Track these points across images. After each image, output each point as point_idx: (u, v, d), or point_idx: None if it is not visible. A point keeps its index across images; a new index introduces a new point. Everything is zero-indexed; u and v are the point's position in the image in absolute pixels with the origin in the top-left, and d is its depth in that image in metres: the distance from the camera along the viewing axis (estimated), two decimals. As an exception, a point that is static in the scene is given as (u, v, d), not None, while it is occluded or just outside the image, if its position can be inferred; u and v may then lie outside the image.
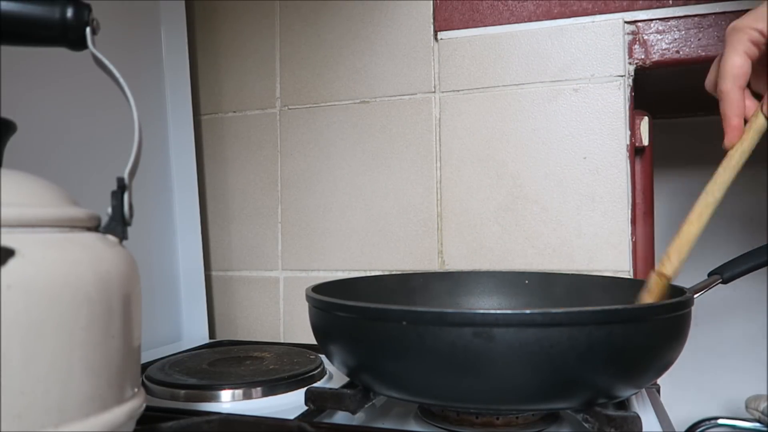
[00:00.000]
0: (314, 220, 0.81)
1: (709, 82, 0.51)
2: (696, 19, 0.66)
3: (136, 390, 0.32)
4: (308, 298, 0.48)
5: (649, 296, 0.49)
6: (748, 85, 0.48)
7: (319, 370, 0.59)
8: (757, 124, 0.48)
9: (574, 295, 0.60)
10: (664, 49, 0.67)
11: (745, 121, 0.49)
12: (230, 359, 0.63)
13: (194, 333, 0.81)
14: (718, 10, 0.65)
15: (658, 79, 0.73)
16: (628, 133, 0.68)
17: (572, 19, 0.70)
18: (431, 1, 0.75)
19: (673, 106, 0.92)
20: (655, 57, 0.67)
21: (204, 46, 0.87)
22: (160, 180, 0.79)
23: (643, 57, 0.68)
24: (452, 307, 0.63)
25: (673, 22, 0.67)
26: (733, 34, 0.47)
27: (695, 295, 0.48)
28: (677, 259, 0.48)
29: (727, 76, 0.47)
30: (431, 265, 0.75)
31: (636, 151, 0.69)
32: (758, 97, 0.49)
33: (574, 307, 0.38)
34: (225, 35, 0.86)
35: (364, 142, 0.78)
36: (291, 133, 0.82)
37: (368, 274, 0.77)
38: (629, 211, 0.69)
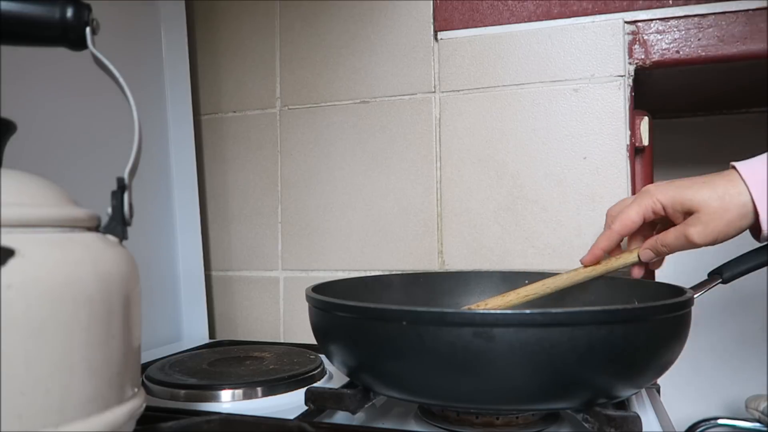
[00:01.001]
0: (314, 220, 0.81)
1: (613, 209, 0.59)
2: (696, 19, 0.66)
3: (136, 390, 0.32)
4: (308, 298, 0.48)
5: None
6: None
7: (319, 370, 0.59)
8: (628, 256, 0.56)
9: (574, 295, 0.60)
10: (664, 49, 0.67)
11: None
12: (230, 359, 0.63)
13: (194, 333, 0.81)
14: (718, 10, 0.65)
15: (658, 79, 0.73)
16: (628, 133, 0.68)
17: (572, 19, 0.70)
18: (431, 1, 0.75)
19: (673, 106, 0.92)
20: (655, 57, 0.67)
21: (204, 46, 0.87)
22: (160, 180, 0.79)
23: (643, 57, 0.68)
24: (452, 307, 0.63)
25: (673, 22, 0.67)
26: (643, 193, 0.54)
27: (695, 295, 0.48)
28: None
29: (619, 220, 0.55)
30: (431, 265, 0.75)
31: (636, 151, 0.69)
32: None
33: (575, 307, 0.38)
34: (225, 35, 0.86)
35: (364, 142, 0.78)
36: (291, 133, 0.82)
37: (368, 274, 0.77)
38: (629, 211, 0.69)
